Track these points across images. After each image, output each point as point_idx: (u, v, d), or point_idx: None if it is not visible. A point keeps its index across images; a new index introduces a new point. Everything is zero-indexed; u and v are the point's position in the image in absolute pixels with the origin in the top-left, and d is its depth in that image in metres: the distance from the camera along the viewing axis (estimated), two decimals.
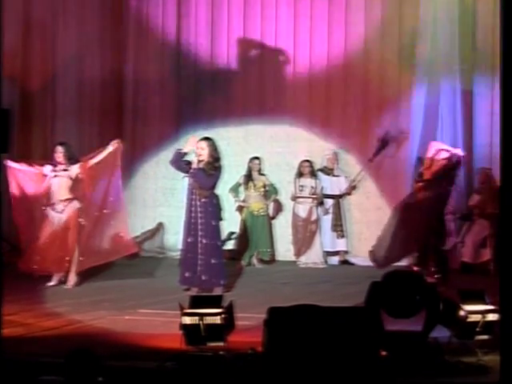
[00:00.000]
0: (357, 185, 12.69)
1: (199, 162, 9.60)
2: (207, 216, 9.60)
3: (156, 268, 12.14)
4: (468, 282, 9.79)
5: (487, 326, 6.61)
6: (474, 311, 6.68)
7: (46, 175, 10.53)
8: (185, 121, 13.45)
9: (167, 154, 13.37)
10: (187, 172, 9.73)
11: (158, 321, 8.09)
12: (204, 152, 9.61)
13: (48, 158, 10.97)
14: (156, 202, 13.52)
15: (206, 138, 9.80)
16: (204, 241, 9.56)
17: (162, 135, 13.51)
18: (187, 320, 6.49)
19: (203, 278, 9.55)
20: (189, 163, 9.70)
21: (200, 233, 9.56)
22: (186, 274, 9.64)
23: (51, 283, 10.35)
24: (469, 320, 6.67)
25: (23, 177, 10.64)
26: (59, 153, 10.52)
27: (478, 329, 6.65)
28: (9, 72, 11.95)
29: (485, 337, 6.64)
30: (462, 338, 6.71)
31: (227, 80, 13.33)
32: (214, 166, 9.61)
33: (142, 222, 13.52)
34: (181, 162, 9.71)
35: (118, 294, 9.80)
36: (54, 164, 10.56)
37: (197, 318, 6.48)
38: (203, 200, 9.59)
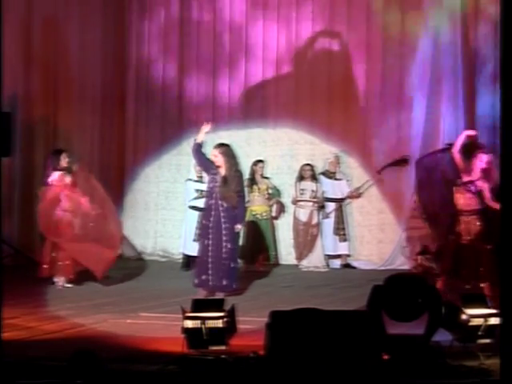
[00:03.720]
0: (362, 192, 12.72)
1: (219, 168, 9.62)
2: (231, 221, 9.60)
3: (158, 271, 12.16)
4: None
5: (489, 330, 6.61)
6: (476, 315, 6.68)
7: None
8: (187, 124, 13.45)
9: (169, 158, 13.45)
10: (208, 169, 9.75)
11: (159, 324, 8.08)
12: (218, 159, 9.62)
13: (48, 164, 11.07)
14: (158, 206, 13.52)
15: (219, 145, 9.78)
16: (229, 245, 9.57)
17: (164, 139, 13.51)
18: (189, 323, 6.49)
19: (224, 282, 9.57)
20: (212, 162, 9.70)
21: (224, 237, 9.55)
22: (203, 277, 9.62)
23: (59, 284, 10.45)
24: (471, 324, 6.67)
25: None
26: (62, 159, 10.68)
27: (479, 332, 6.65)
28: (10, 78, 12.00)
29: (487, 340, 6.63)
30: (464, 341, 6.70)
31: (229, 83, 13.34)
32: (230, 173, 9.59)
33: (143, 225, 13.52)
34: (201, 156, 9.73)
35: (120, 297, 9.79)
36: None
37: (199, 321, 6.47)
38: (226, 205, 9.60)
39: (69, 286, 10.45)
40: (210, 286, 9.60)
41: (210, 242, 9.59)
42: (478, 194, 10.06)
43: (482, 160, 10.13)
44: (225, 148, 9.70)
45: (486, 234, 10.06)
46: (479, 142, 10.82)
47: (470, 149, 10.43)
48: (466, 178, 10.13)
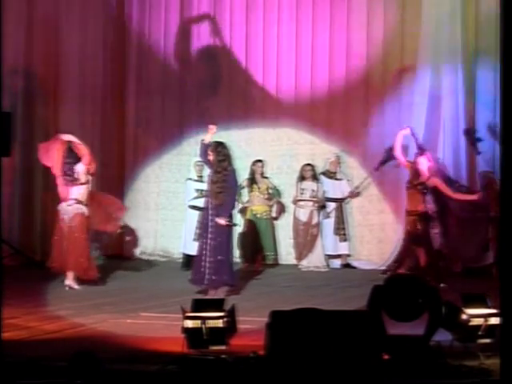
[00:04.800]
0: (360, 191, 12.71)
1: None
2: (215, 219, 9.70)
3: (158, 271, 12.15)
4: (470, 285, 9.77)
5: (489, 330, 6.60)
6: (477, 315, 6.68)
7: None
8: (187, 124, 13.45)
9: (170, 158, 13.44)
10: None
11: (160, 324, 8.09)
12: (210, 158, 9.77)
13: None
14: (158, 206, 13.51)
15: (212, 144, 9.85)
16: (213, 242, 9.68)
17: (165, 139, 13.51)
18: (189, 323, 6.49)
19: (213, 277, 9.68)
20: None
21: (210, 235, 9.68)
22: (197, 275, 9.82)
23: (66, 283, 10.43)
24: (471, 323, 6.66)
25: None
26: None
27: (480, 332, 6.65)
28: (11, 78, 12.02)
29: (487, 340, 6.63)
30: (464, 341, 6.70)
31: (229, 83, 13.33)
32: (217, 171, 9.67)
33: (144, 225, 13.51)
34: (206, 155, 9.86)
35: (120, 297, 9.80)
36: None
37: (199, 321, 6.47)
38: (215, 203, 9.67)
39: (77, 287, 10.45)
40: (204, 283, 9.71)
41: (204, 240, 9.77)
42: (434, 192, 10.37)
43: (422, 163, 10.49)
44: (215, 146, 9.81)
45: (425, 235, 10.42)
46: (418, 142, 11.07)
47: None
48: (415, 181, 10.45)
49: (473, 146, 11.97)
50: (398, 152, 11.12)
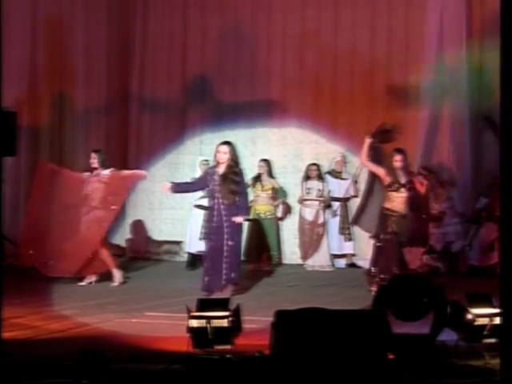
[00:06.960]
0: (358, 180, 12.62)
1: (219, 166, 9.68)
2: (232, 218, 9.63)
3: (163, 271, 12.16)
4: (476, 285, 9.76)
5: (495, 330, 6.60)
6: (482, 314, 6.67)
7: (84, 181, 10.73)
8: (191, 124, 13.46)
9: (173, 157, 13.47)
10: (205, 185, 9.85)
11: (165, 323, 8.09)
12: (225, 156, 9.65)
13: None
14: (162, 205, 13.53)
15: (227, 143, 9.78)
16: (230, 242, 9.60)
17: (169, 138, 13.53)
18: (194, 323, 6.49)
19: (228, 277, 9.59)
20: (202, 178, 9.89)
21: (226, 236, 9.58)
22: (207, 279, 9.66)
23: (83, 283, 10.55)
24: (476, 323, 6.66)
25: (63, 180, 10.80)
26: (93, 159, 10.69)
27: (485, 332, 6.64)
28: (16, 78, 12.04)
29: (492, 340, 6.61)
30: (470, 341, 6.69)
31: (234, 82, 13.34)
32: (235, 172, 9.64)
33: (149, 225, 13.53)
34: (189, 186, 10.20)
35: (125, 296, 9.81)
36: (91, 170, 10.75)
37: (204, 320, 6.47)
38: (226, 202, 9.61)
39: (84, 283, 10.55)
40: (221, 284, 9.61)
41: (220, 242, 9.60)
42: (413, 190, 10.17)
43: (397, 160, 10.15)
44: (232, 146, 9.73)
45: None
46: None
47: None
48: (402, 180, 10.14)
49: (494, 131, 11.77)
50: (364, 159, 10.65)
